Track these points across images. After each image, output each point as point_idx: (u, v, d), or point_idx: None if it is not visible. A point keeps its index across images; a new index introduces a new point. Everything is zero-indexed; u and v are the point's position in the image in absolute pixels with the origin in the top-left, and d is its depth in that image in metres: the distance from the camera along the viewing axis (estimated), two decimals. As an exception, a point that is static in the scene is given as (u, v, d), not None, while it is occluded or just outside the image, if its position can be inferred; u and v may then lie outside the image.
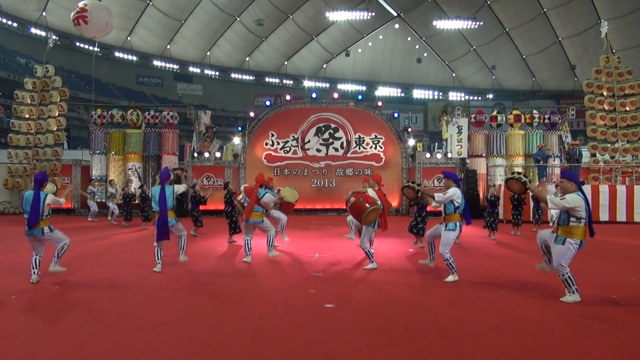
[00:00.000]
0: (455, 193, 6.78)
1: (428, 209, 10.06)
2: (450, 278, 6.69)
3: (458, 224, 6.76)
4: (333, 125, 19.94)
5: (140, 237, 12.15)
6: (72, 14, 17.71)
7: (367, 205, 7.38)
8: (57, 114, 19.56)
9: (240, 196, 9.46)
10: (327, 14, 36.10)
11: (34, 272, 6.52)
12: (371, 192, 7.77)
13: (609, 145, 18.45)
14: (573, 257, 5.53)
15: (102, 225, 15.07)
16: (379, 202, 7.62)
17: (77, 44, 41.53)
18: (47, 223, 6.62)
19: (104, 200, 16.87)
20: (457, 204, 6.76)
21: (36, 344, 4.25)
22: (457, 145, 19.19)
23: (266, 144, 19.93)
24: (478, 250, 9.91)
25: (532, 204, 13.40)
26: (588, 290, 5.80)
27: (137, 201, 14.88)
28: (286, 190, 10.89)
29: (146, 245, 10.54)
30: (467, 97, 49.04)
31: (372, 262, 7.70)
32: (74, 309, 5.37)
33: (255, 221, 8.35)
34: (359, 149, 19.89)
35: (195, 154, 19.66)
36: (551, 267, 5.69)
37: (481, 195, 18.13)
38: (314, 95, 20.46)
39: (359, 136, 19.89)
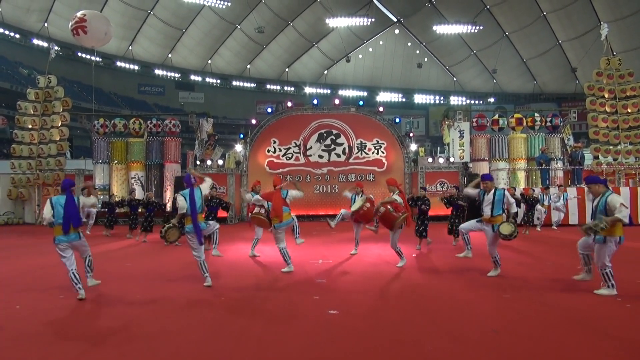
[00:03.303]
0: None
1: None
2: (492, 272, 7.33)
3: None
4: (335, 131, 19.96)
5: (142, 247, 12.13)
6: (70, 24, 17.78)
7: (397, 214, 7.82)
8: (59, 124, 19.67)
9: (256, 209, 8.94)
10: (327, 21, 36.28)
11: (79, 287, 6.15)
12: (399, 199, 8.07)
13: (611, 147, 18.42)
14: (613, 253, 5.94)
15: (97, 234, 15.07)
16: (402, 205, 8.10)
17: (79, 54, 41.75)
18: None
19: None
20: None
21: (42, 356, 4.25)
22: (459, 150, 19.18)
23: (268, 150, 19.96)
24: (480, 253, 9.86)
25: (522, 206, 13.45)
26: (592, 293, 5.77)
27: (123, 209, 14.73)
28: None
29: (148, 256, 10.55)
30: (468, 101, 49.05)
31: (402, 258, 8.37)
32: (78, 319, 5.37)
33: (288, 221, 7.98)
34: (361, 154, 19.89)
35: (198, 162, 19.71)
36: (591, 276, 6.11)
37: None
38: (315, 101, 20.50)
39: (361, 142, 19.90)
